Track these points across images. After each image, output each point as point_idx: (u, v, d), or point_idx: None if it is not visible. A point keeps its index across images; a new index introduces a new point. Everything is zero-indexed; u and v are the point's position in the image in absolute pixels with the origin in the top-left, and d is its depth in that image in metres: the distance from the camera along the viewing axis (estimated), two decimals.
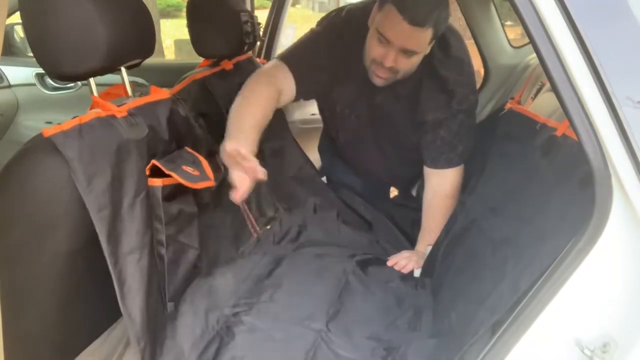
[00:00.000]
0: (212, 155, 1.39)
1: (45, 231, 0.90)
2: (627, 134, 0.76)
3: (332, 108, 1.73)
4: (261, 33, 1.97)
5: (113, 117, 0.99)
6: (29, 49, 1.14)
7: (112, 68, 1.00)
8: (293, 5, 3.70)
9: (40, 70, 2.54)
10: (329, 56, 1.59)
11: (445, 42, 1.56)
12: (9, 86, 2.83)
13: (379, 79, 1.52)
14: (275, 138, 1.75)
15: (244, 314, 1.23)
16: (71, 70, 0.94)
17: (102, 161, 0.93)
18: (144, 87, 1.17)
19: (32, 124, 2.79)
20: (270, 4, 2.35)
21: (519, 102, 1.54)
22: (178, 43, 7.72)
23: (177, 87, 1.44)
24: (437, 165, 1.63)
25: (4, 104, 2.78)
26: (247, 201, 1.54)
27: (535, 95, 1.47)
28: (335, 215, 1.74)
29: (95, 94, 1.01)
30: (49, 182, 0.89)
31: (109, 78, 1.03)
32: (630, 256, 0.81)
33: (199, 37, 1.57)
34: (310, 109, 2.25)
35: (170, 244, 1.05)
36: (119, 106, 1.02)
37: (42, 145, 0.89)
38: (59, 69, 0.94)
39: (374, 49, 1.47)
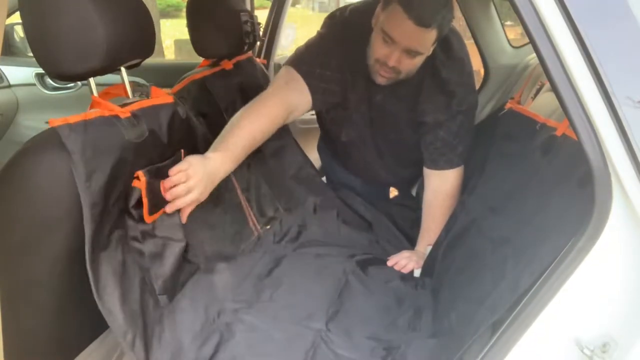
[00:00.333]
0: None
1: (46, 230, 0.90)
2: (627, 133, 0.76)
3: (335, 108, 1.73)
4: (261, 33, 1.97)
5: (117, 117, 0.99)
6: (29, 49, 1.14)
7: (112, 68, 1.00)
8: (293, 5, 3.70)
9: (40, 70, 2.54)
10: (337, 56, 1.59)
11: (447, 43, 1.56)
12: (9, 86, 2.83)
13: (382, 78, 1.52)
14: (275, 138, 1.74)
15: (244, 312, 1.23)
16: (71, 70, 0.94)
17: (103, 159, 0.93)
18: (144, 87, 1.17)
19: (32, 124, 2.79)
20: (270, 4, 2.35)
21: (518, 102, 1.54)
22: (178, 43, 7.73)
23: (177, 87, 1.44)
24: (437, 166, 1.63)
25: (4, 104, 2.78)
26: (248, 200, 1.54)
27: (535, 95, 1.47)
28: (335, 215, 1.74)
29: (95, 93, 1.01)
30: (48, 182, 0.89)
31: (109, 78, 1.03)
32: (630, 256, 0.81)
33: (199, 37, 1.57)
34: None
35: (147, 239, 1.05)
36: (122, 107, 1.02)
37: (42, 144, 0.89)
38: (59, 68, 0.94)
39: (378, 49, 1.47)
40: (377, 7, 1.48)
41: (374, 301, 1.35)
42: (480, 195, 1.43)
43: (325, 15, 1.76)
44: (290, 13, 2.49)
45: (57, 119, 0.89)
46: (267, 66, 2.23)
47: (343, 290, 1.37)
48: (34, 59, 0.94)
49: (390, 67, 1.46)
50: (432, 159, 1.64)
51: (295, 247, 1.56)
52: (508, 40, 2.28)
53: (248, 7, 2.18)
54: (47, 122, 0.90)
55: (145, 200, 1.03)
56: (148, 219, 1.06)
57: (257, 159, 1.67)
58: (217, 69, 1.64)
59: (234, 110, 1.62)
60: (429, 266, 1.51)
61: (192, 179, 1.13)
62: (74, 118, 0.91)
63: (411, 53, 1.43)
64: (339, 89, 1.62)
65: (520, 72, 2.15)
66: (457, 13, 2.25)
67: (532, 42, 0.79)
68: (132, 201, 1.02)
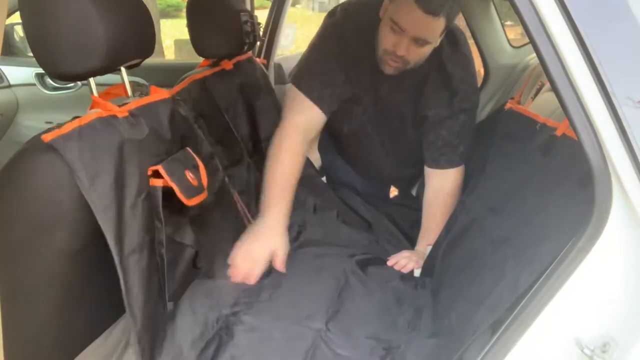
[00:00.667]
0: (212, 157, 1.39)
1: (45, 231, 0.90)
2: (627, 133, 0.76)
3: (339, 103, 1.73)
4: (261, 33, 1.97)
5: (114, 117, 0.99)
6: (29, 49, 1.14)
7: (111, 68, 1.00)
8: (293, 5, 3.70)
9: (40, 70, 2.54)
10: (338, 55, 1.61)
11: (454, 39, 1.57)
12: (9, 86, 2.83)
13: (390, 67, 1.53)
14: None
15: (244, 313, 1.23)
16: (71, 70, 0.94)
17: (104, 160, 0.93)
18: (143, 87, 1.17)
19: (32, 124, 2.79)
20: (270, 4, 2.35)
21: (518, 102, 1.54)
22: (178, 43, 7.72)
23: (177, 88, 1.44)
24: (438, 165, 1.64)
25: (4, 104, 2.78)
26: (247, 204, 1.54)
27: (535, 95, 1.47)
28: (335, 215, 1.74)
29: (95, 93, 1.01)
30: (48, 182, 0.89)
31: (109, 78, 1.03)
32: (630, 256, 0.81)
33: (199, 37, 1.57)
34: None
35: (168, 244, 1.05)
36: (120, 106, 1.02)
37: (42, 145, 0.89)
38: (59, 68, 0.94)
39: (386, 38, 1.48)
40: None
41: (374, 301, 1.35)
42: (480, 195, 1.43)
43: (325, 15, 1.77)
44: (290, 13, 2.49)
45: (50, 133, 0.88)
46: (267, 66, 2.23)
47: (343, 290, 1.37)
48: (34, 59, 0.94)
49: (399, 57, 1.47)
50: (433, 158, 1.64)
51: (295, 247, 1.56)
52: (508, 40, 2.28)
53: (248, 7, 2.18)
54: (47, 122, 0.90)
55: (174, 185, 1.03)
56: (190, 202, 1.07)
57: (255, 160, 1.67)
58: (217, 69, 1.64)
59: (235, 110, 1.63)
60: (429, 266, 1.51)
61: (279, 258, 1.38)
62: (67, 127, 0.90)
63: (419, 42, 1.44)
64: (344, 87, 1.64)
65: (520, 72, 2.15)
66: None
67: (532, 42, 0.79)
68: (159, 199, 1.02)
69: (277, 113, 1.78)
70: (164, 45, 7.42)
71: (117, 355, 1.04)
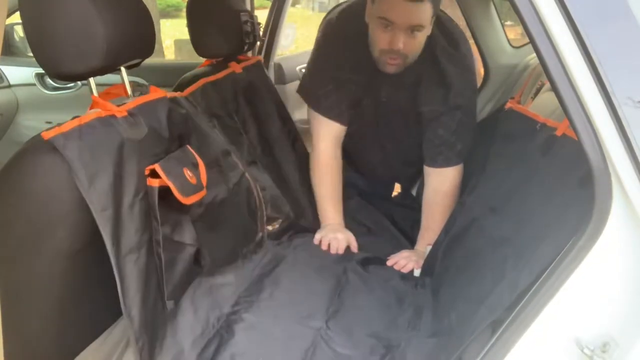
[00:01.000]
0: (228, 154, 1.42)
1: (45, 231, 0.90)
2: (627, 133, 0.76)
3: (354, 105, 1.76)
4: (261, 33, 1.97)
5: (113, 117, 0.99)
6: (29, 49, 1.14)
7: (111, 68, 1.00)
8: (293, 5, 3.70)
9: (40, 70, 2.54)
10: (335, 63, 1.64)
11: (449, 36, 1.58)
12: (9, 86, 2.83)
13: (391, 66, 1.54)
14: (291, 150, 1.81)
15: (244, 311, 1.23)
16: (71, 70, 0.94)
17: (103, 161, 0.93)
18: (143, 87, 1.17)
19: (32, 124, 2.79)
20: (270, 4, 2.35)
21: (519, 102, 1.54)
22: (178, 43, 7.70)
23: (190, 89, 1.45)
24: (435, 163, 1.64)
25: (4, 104, 2.78)
26: (265, 201, 1.56)
27: (535, 94, 1.47)
28: None
29: (95, 93, 1.01)
30: (48, 182, 0.89)
31: (108, 78, 1.03)
32: (630, 256, 0.81)
33: (199, 37, 1.58)
34: None
35: (166, 244, 1.05)
36: (118, 106, 1.02)
37: (42, 145, 0.89)
38: (59, 68, 0.94)
39: (380, 38, 1.49)
40: (367, 1, 1.53)
41: (374, 299, 1.35)
42: (480, 194, 1.43)
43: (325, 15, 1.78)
44: (290, 13, 2.49)
45: (50, 131, 0.88)
46: (267, 66, 2.23)
47: (343, 289, 1.38)
48: (34, 59, 0.94)
49: (397, 52, 1.48)
50: (431, 156, 1.65)
51: (295, 246, 1.57)
52: (508, 40, 2.28)
53: (248, 7, 2.18)
54: (47, 122, 0.90)
55: (170, 184, 1.03)
56: (187, 200, 1.07)
57: (265, 163, 1.68)
58: (227, 71, 1.65)
59: (244, 114, 1.66)
60: (429, 265, 1.51)
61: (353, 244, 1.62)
62: (67, 126, 0.90)
63: (412, 31, 1.45)
64: (346, 92, 1.66)
65: (520, 72, 2.15)
66: (458, 13, 2.25)
67: (532, 42, 0.79)
68: (155, 198, 1.02)
69: (281, 118, 1.82)
70: (164, 45, 7.42)
71: (117, 355, 1.04)
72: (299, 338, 1.17)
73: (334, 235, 1.60)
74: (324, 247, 1.58)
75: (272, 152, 1.75)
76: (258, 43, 2.01)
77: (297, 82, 1.94)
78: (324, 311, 1.27)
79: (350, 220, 1.74)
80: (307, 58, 1.83)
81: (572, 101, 0.78)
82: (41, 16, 0.91)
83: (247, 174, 1.48)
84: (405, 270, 1.53)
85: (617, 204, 0.80)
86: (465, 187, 1.61)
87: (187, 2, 1.59)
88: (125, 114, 1.01)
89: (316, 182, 1.71)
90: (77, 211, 0.90)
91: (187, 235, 1.12)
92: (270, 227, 1.57)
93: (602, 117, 0.77)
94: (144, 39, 1.08)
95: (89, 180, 0.89)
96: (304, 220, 1.71)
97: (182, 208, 1.11)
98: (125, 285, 0.94)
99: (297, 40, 3.66)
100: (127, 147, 0.98)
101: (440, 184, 1.65)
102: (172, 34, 8.41)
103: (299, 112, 2.25)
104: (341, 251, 1.56)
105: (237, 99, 1.65)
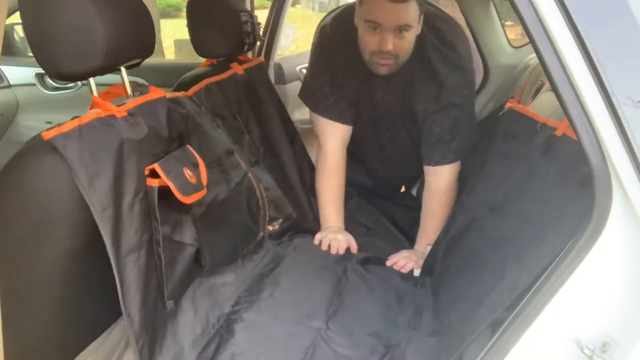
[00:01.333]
0: (231, 153, 1.42)
1: (45, 231, 0.90)
2: (627, 133, 0.76)
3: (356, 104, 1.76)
4: (261, 33, 1.97)
5: (113, 117, 0.99)
6: (29, 49, 1.14)
7: (111, 68, 1.00)
8: (293, 5, 3.70)
9: (40, 70, 2.54)
10: (330, 66, 1.66)
11: (441, 35, 1.59)
12: (9, 86, 2.83)
13: (382, 67, 1.55)
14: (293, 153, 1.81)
15: (244, 311, 1.23)
16: (71, 70, 0.94)
17: (103, 161, 0.93)
18: (143, 87, 1.17)
19: (32, 124, 2.79)
20: (270, 4, 2.35)
21: (519, 102, 1.54)
22: (178, 43, 7.71)
23: (195, 88, 1.45)
24: (432, 161, 1.65)
25: (4, 104, 2.78)
26: (269, 201, 1.56)
27: (535, 94, 1.47)
28: None
29: (95, 93, 1.01)
30: (48, 182, 0.89)
31: (108, 78, 1.03)
32: (630, 256, 0.81)
33: (199, 37, 1.58)
34: None
35: (166, 244, 1.05)
36: (118, 106, 1.02)
37: (42, 145, 0.89)
38: (59, 68, 0.94)
39: (369, 40, 1.51)
40: (356, 6, 1.55)
41: (375, 299, 1.35)
42: (480, 194, 1.43)
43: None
44: (290, 13, 2.49)
45: (50, 131, 0.88)
46: (267, 66, 2.23)
47: (343, 289, 1.38)
48: (34, 59, 0.94)
49: (387, 53, 1.49)
50: (428, 154, 1.66)
51: (295, 246, 1.57)
52: (508, 40, 2.28)
53: (248, 7, 2.18)
54: (47, 122, 0.90)
55: (170, 184, 1.02)
56: (187, 199, 1.07)
57: (268, 163, 1.68)
58: (229, 72, 1.65)
59: (246, 114, 1.67)
60: (429, 265, 1.51)
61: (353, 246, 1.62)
62: (67, 126, 0.90)
63: (400, 31, 1.46)
64: (343, 94, 1.68)
65: (520, 72, 2.15)
66: (458, 13, 2.25)
67: (532, 42, 0.79)
68: (155, 198, 1.02)
69: (282, 119, 1.82)
70: (164, 45, 7.42)
71: (117, 355, 1.04)
72: (299, 338, 1.17)
73: (334, 236, 1.60)
74: (324, 247, 1.58)
75: (274, 152, 1.75)
76: (258, 43, 2.01)
77: (297, 82, 1.95)
78: (324, 311, 1.27)
79: (350, 220, 1.74)
80: (307, 58, 1.84)
81: (572, 101, 0.78)
82: (41, 16, 0.91)
83: (249, 174, 1.48)
84: (405, 270, 1.53)
85: (617, 204, 0.80)
86: (465, 187, 1.61)
87: (187, 2, 1.59)
88: (125, 114, 1.01)
89: (322, 183, 1.72)
90: (77, 211, 0.90)
91: (188, 235, 1.12)
92: (270, 227, 1.57)
93: (602, 117, 0.77)
94: (144, 39, 1.08)
95: (89, 181, 0.89)
96: (305, 220, 1.71)
97: (183, 208, 1.11)
98: (125, 285, 0.94)
99: (297, 40, 3.66)
100: (127, 147, 0.98)
101: (437, 182, 1.65)
102: (172, 34, 8.41)
103: (299, 112, 2.25)
104: (341, 252, 1.57)
105: (239, 99, 1.65)
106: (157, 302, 1.04)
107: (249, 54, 2.05)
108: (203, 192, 1.15)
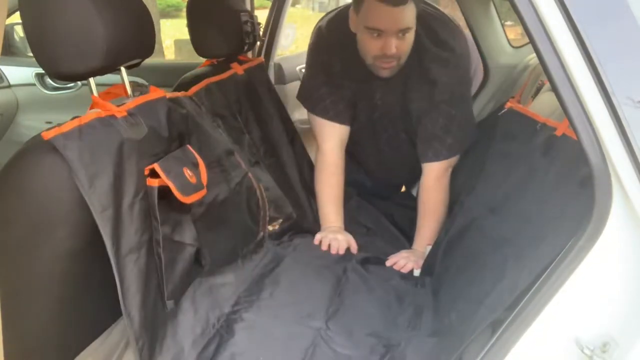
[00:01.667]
0: (232, 153, 1.42)
1: (45, 231, 0.90)
2: (627, 133, 0.76)
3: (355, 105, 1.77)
4: (261, 33, 1.97)
5: (113, 117, 0.99)
6: (29, 49, 1.14)
7: (111, 68, 1.00)
8: (293, 5, 3.70)
9: (40, 70, 2.54)
10: (326, 66, 1.67)
11: (434, 34, 1.59)
12: (9, 86, 2.83)
13: (385, 70, 1.56)
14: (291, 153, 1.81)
15: (244, 311, 1.23)
16: (71, 70, 0.94)
17: (103, 161, 0.93)
18: (143, 87, 1.17)
19: (32, 124, 2.79)
20: (270, 4, 2.35)
21: (519, 102, 1.54)
22: (178, 43, 7.71)
23: (195, 88, 1.45)
24: (426, 158, 1.66)
25: (4, 104, 2.78)
26: (269, 200, 1.56)
27: (535, 94, 1.47)
28: None
29: (95, 93, 1.01)
30: (48, 182, 0.89)
31: (108, 78, 1.03)
32: (630, 256, 0.81)
33: (199, 37, 1.58)
34: None
35: (166, 244, 1.05)
36: (118, 106, 1.02)
37: (42, 145, 0.89)
38: (59, 68, 0.94)
39: (371, 46, 1.51)
40: (350, 13, 1.56)
41: (375, 299, 1.35)
42: (480, 194, 1.43)
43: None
44: (290, 13, 2.49)
45: (50, 131, 0.88)
46: (267, 66, 2.23)
47: (343, 289, 1.38)
48: (34, 59, 0.94)
49: (390, 56, 1.50)
50: (422, 151, 1.67)
51: (295, 246, 1.57)
52: (508, 40, 2.28)
53: (248, 7, 2.18)
54: (47, 122, 0.90)
55: (170, 183, 1.02)
56: (187, 199, 1.07)
57: (268, 163, 1.68)
58: (230, 72, 1.65)
59: (246, 115, 1.67)
60: (429, 265, 1.51)
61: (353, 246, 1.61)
62: (67, 126, 0.90)
63: (402, 33, 1.48)
64: (341, 95, 1.68)
65: (520, 72, 2.15)
66: (458, 13, 2.25)
67: (532, 42, 0.79)
68: (155, 198, 1.01)
69: (282, 119, 1.82)
70: (164, 45, 7.42)
71: (117, 355, 1.04)
72: (299, 338, 1.17)
73: (334, 236, 1.60)
74: (324, 247, 1.58)
75: (274, 152, 1.76)
76: (258, 43, 2.01)
77: (297, 82, 1.95)
78: (324, 311, 1.27)
79: (350, 220, 1.74)
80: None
81: (572, 101, 0.78)
82: (41, 16, 0.91)
83: (250, 174, 1.48)
84: (404, 270, 1.53)
85: (617, 204, 0.80)
86: (464, 187, 1.61)
87: (187, 2, 1.59)
88: (125, 114, 1.01)
89: (321, 183, 1.72)
90: (77, 211, 0.90)
91: (188, 235, 1.12)
92: (270, 227, 1.57)
93: (602, 117, 0.77)
94: (144, 39, 1.08)
95: (89, 181, 0.89)
96: (305, 220, 1.71)
97: (183, 208, 1.11)
98: (125, 285, 0.94)
99: (297, 40, 3.66)
100: (127, 147, 0.98)
101: (431, 178, 1.66)
102: (172, 34, 8.41)
103: (299, 112, 2.25)
104: (341, 252, 1.57)
105: (239, 99, 1.66)
106: (157, 302, 1.04)
107: (249, 54, 2.05)
108: (203, 192, 1.15)
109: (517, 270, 1.00)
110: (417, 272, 1.54)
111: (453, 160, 1.67)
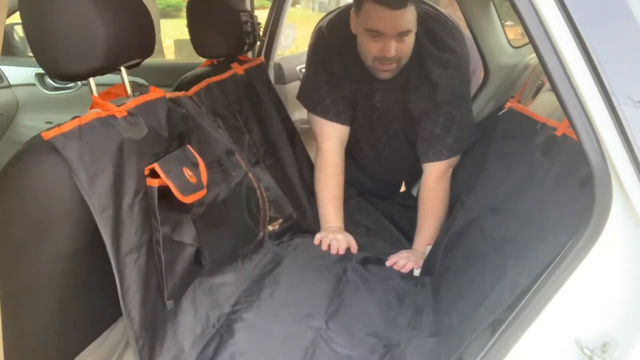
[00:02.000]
0: (232, 153, 1.42)
1: (45, 231, 0.90)
2: (627, 133, 0.76)
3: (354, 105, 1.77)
4: (261, 33, 1.97)
5: (113, 117, 0.99)
6: (29, 49, 1.14)
7: (111, 68, 1.00)
8: (293, 5, 3.70)
9: (40, 70, 2.54)
10: (326, 67, 1.67)
11: (434, 36, 1.60)
12: (9, 86, 2.83)
13: (385, 72, 1.56)
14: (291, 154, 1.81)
15: (244, 311, 1.23)
16: (71, 70, 0.94)
17: (103, 161, 0.93)
18: (143, 87, 1.17)
19: (32, 124, 2.79)
20: (270, 4, 2.35)
21: (519, 102, 1.54)
22: (178, 43, 7.71)
23: (195, 88, 1.45)
24: (427, 158, 1.66)
25: (4, 104, 2.78)
26: (269, 200, 1.56)
27: (535, 94, 1.47)
28: None
29: (95, 94, 1.01)
30: (48, 182, 0.89)
31: (108, 78, 1.03)
32: (630, 256, 0.81)
33: (199, 37, 1.58)
34: None
35: (166, 244, 1.05)
36: (118, 106, 1.02)
37: (42, 145, 0.88)
38: (59, 68, 0.94)
39: (371, 48, 1.51)
40: (351, 14, 1.56)
41: (375, 298, 1.35)
42: (480, 194, 1.43)
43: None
44: (290, 13, 2.49)
45: (50, 131, 0.88)
46: (267, 66, 2.24)
47: (343, 289, 1.38)
48: (34, 59, 0.94)
49: (390, 58, 1.50)
50: (423, 151, 1.67)
51: (295, 246, 1.57)
52: (508, 40, 2.28)
53: (248, 7, 2.18)
54: (47, 122, 0.90)
55: (170, 183, 1.02)
56: (186, 199, 1.07)
57: (269, 164, 1.68)
58: (230, 72, 1.65)
59: (247, 114, 1.67)
60: (429, 265, 1.51)
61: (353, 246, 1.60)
62: (67, 126, 0.90)
63: (402, 36, 1.48)
64: (341, 96, 1.69)
65: (520, 72, 2.15)
66: (458, 13, 2.25)
67: (532, 42, 0.79)
68: (155, 198, 1.01)
69: (282, 119, 1.82)
70: (164, 45, 7.43)
71: (117, 355, 1.04)
72: (299, 338, 1.17)
73: (334, 236, 1.60)
74: (324, 247, 1.58)
75: (274, 152, 1.76)
76: (258, 43, 2.01)
77: (297, 82, 1.95)
78: (324, 311, 1.27)
79: (350, 221, 1.74)
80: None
81: (572, 101, 0.78)
82: (41, 16, 0.91)
83: (250, 174, 1.48)
84: (404, 270, 1.53)
85: (617, 204, 0.80)
86: (465, 187, 1.61)
87: (187, 2, 1.59)
88: (125, 114, 1.01)
89: (320, 183, 1.72)
90: (77, 211, 0.90)
91: (188, 235, 1.12)
92: (270, 227, 1.57)
93: (602, 117, 0.77)
94: (144, 39, 1.08)
95: (89, 181, 0.89)
96: (305, 220, 1.71)
97: (183, 207, 1.11)
98: (125, 285, 0.94)
99: (297, 40, 3.66)
100: (127, 147, 0.98)
101: (431, 178, 1.66)
102: (172, 34, 8.42)
103: (299, 112, 2.25)
104: (341, 252, 1.57)
105: (240, 99, 1.66)
106: (157, 302, 1.04)
107: (249, 54, 2.05)
108: (203, 192, 1.15)
109: (517, 270, 1.00)
110: (417, 272, 1.54)
111: (453, 160, 1.67)
